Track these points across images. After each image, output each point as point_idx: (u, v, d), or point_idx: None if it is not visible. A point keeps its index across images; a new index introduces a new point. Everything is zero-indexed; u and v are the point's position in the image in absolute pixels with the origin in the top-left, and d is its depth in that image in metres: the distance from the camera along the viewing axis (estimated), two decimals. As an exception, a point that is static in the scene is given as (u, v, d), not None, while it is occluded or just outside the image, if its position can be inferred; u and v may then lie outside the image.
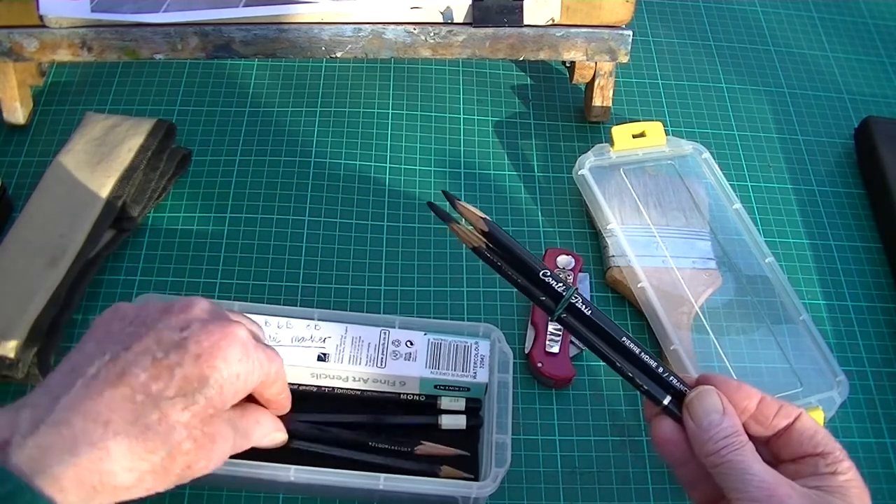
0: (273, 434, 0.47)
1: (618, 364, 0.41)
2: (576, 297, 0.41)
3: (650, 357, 0.41)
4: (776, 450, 0.41)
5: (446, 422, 0.53)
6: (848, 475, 0.39)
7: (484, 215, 0.42)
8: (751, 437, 0.40)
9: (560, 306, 0.40)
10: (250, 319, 0.47)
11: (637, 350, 0.41)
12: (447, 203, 0.44)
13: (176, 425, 0.38)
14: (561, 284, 0.41)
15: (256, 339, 0.43)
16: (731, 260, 0.62)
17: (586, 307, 0.41)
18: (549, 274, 0.41)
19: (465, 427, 0.53)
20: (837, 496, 0.38)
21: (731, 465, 0.39)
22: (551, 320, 0.41)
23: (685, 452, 0.41)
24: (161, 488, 0.39)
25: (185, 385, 0.38)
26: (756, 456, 0.39)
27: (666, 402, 0.41)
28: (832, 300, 0.65)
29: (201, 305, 0.42)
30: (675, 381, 0.41)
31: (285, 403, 0.47)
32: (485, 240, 0.42)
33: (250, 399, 0.45)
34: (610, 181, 0.65)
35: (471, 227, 0.42)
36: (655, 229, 0.63)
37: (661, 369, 0.41)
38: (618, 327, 0.42)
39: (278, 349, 0.52)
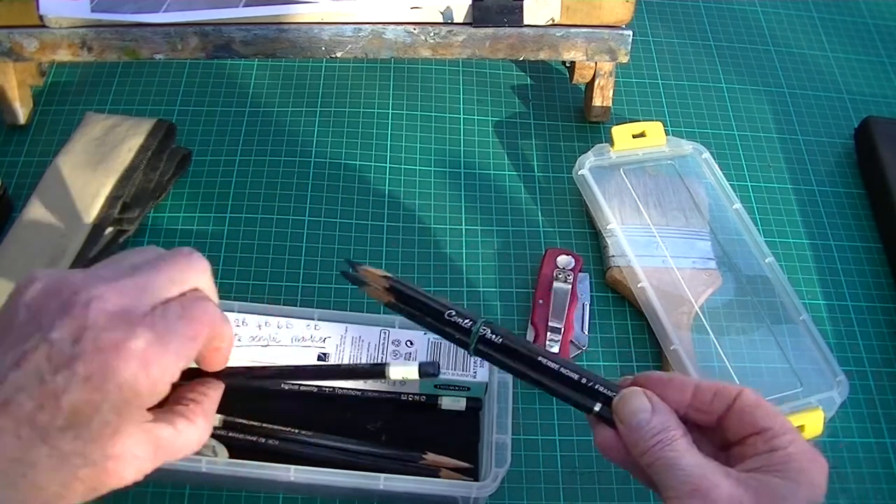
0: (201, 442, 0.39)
1: (544, 382, 0.42)
2: (484, 329, 0.41)
3: (571, 370, 0.41)
4: (728, 434, 0.40)
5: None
6: (788, 449, 0.37)
7: (386, 273, 0.43)
8: (698, 427, 0.39)
9: (472, 339, 0.41)
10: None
11: (556, 366, 0.41)
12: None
13: (69, 455, 0.33)
14: (468, 320, 0.42)
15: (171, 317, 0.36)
16: (731, 260, 0.62)
17: (496, 336, 0.42)
18: (454, 314, 0.42)
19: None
20: (777, 474, 0.36)
21: (661, 461, 0.37)
22: (470, 355, 0.43)
23: (627, 456, 0.40)
24: None
25: (74, 413, 0.33)
26: (690, 449, 0.38)
27: (597, 409, 0.41)
28: (832, 300, 0.65)
29: (103, 296, 0.34)
30: (601, 388, 0.41)
31: (219, 363, 0.41)
32: (393, 296, 0.43)
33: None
34: (610, 181, 0.65)
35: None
36: (655, 229, 0.63)
37: (584, 380, 0.41)
38: (534, 347, 0.42)
39: (278, 349, 0.53)
